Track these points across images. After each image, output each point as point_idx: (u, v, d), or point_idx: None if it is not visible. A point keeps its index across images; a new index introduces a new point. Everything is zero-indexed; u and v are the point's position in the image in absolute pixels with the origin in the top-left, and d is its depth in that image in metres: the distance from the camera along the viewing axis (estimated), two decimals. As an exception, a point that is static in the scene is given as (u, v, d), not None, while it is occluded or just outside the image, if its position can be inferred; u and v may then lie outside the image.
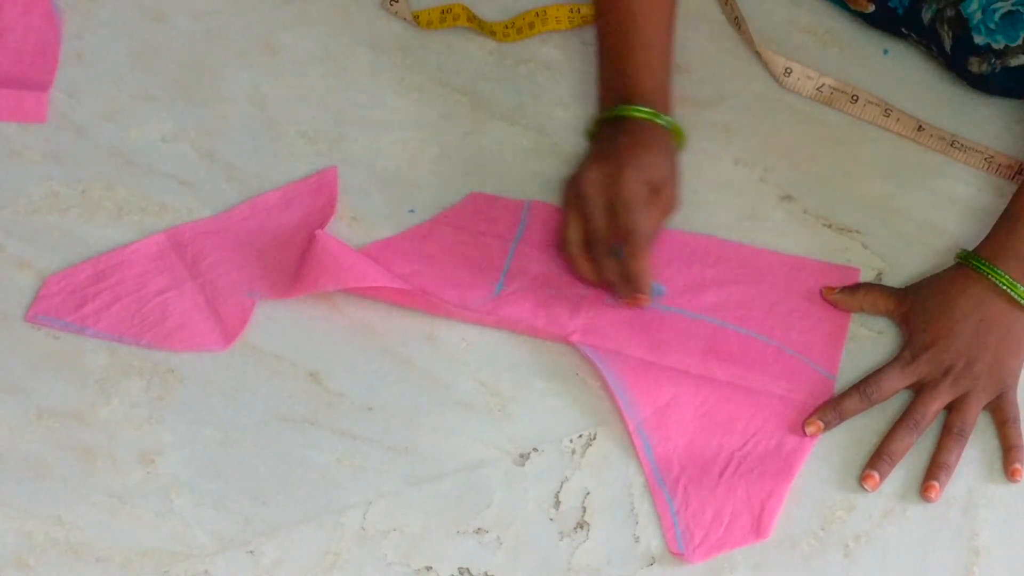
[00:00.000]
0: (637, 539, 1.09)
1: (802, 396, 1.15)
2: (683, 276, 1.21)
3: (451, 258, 1.22)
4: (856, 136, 1.32)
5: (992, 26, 1.28)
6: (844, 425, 1.13)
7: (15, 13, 1.36)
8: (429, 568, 1.07)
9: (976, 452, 1.13)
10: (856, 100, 1.32)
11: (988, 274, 1.16)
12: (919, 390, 1.14)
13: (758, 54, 1.36)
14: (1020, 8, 1.27)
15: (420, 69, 1.36)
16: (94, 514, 1.09)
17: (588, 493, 1.11)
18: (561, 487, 1.11)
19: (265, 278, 1.21)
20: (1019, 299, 1.15)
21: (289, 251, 1.22)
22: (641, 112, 1.21)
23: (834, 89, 1.33)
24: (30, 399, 1.14)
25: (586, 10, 1.38)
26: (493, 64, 1.36)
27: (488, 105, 1.33)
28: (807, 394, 1.15)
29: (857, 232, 1.25)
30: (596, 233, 1.17)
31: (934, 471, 1.11)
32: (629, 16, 1.25)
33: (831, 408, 1.13)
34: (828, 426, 1.13)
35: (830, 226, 1.26)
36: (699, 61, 1.37)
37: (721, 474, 1.11)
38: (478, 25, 1.38)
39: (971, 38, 1.29)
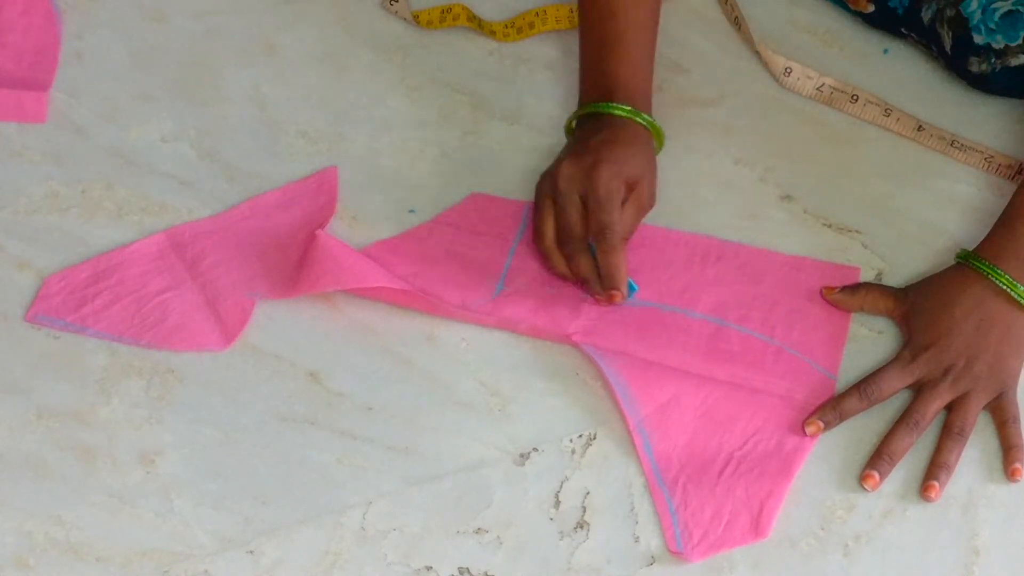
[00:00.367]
0: (637, 539, 1.09)
1: (802, 396, 1.15)
2: (683, 276, 1.21)
3: (451, 258, 1.22)
4: (856, 136, 1.32)
5: (992, 26, 1.28)
6: (844, 425, 1.13)
7: (15, 13, 1.36)
8: (429, 568, 1.07)
9: (976, 452, 1.13)
10: (856, 100, 1.32)
11: (988, 274, 1.16)
12: (919, 390, 1.14)
13: (758, 54, 1.36)
14: (1020, 8, 1.27)
15: (420, 69, 1.36)
16: (94, 514, 1.09)
17: (588, 493, 1.11)
18: (561, 487, 1.11)
19: (265, 278, 1.21)
20: (1019, 299, 1.15)
21: (289, 251, 1.22)
22: (620, 110, 1.21)
23: (834, 89, 1.33)
24: (30, 399, 1.14)
25: (586, 10, 1.38)
26: (493, 64, 1.36)
27: (488, 105, 1.33)
28: (807, 394, 1.15)
29: (857, 232, 1.25)
30: (570, 229, 1.16)
31: (934, 471, 1.11)
32: (611, 14, 1.25)
33: (831, 408, 1.13)
34: (828, 426, 1.13)
35: (830, 226, 1.26)
36: (699, 61, 1.37)
37: (721, 473, 1.11)
38: (478, 25, 1.38)
39: (971, 38, 1.29)
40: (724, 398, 1.15)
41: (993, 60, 1.29)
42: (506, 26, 1.37)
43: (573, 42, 1.36)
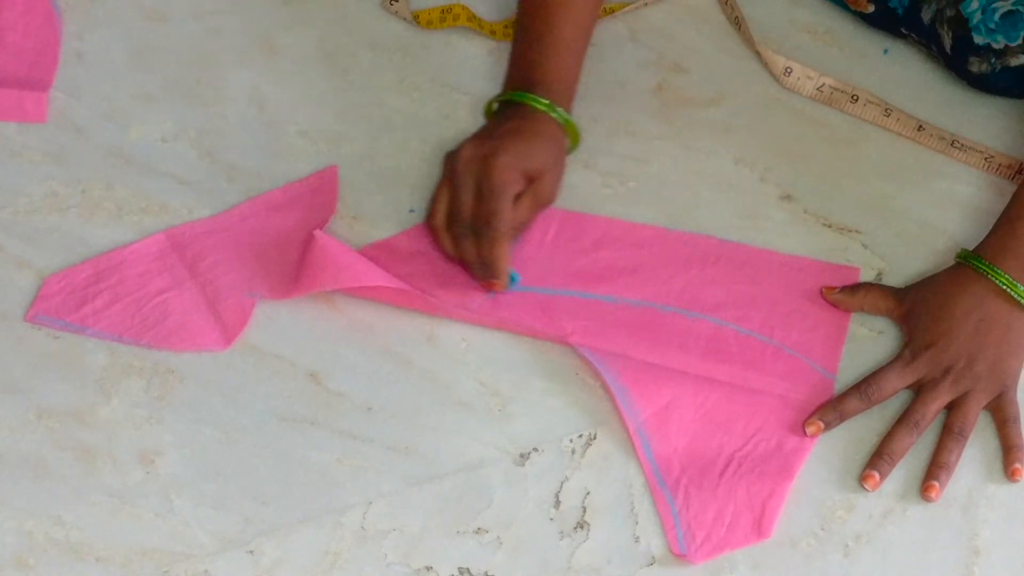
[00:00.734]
0: (637, 539, 1.09)
1: (802, 396, 1.15)
2: (683, 276, 1.21)
3: (450, 259, 1.22)
4: (856, 136, 1.32)
5: (992, 26, 1.28)
6: (844, 425, 1.13)
7: (15, 13, 1.36)
8: (429, 568, 1.07)
9: (976, 452, 1.13)
10: (856, 100, 1.32)
11: (988, 274, 1.16)
12: (919, 390, 1.14)
13: (758, 54, 1.36)
14: (1020, 8, 1.27)
15: (420, 69, 1.36)
16: (94, 514, 1.09)
17: (588, 493, 1.11)
18: (561, 487, 1.11)
19: (265, 278, 1.20)
20: (1019, 299, 1.15)
21: (289, 251, 1.22)
22: (538, 102, 1.21)
23: (834, 89, 1.33)
24: (30, 399, 1.14)
25: (586, 10, 1.38)
26: (493, 64, 1.36)
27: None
28: (807, 394, 1.15)
29: (857, 232, 1.25)
30: (459, 212, 1.17)
31: (934, 471, 1.11)
32: (545, 5, 1.25)
33: (831, 408, 1.13)
34: (828, 426, 1.13)
35: (830, 226, 1.26)
36: (699, 61, 1.37)
37: (722, 474, 1.11)
38: (478, 25, 1.38)
39: (971, 38, 1.29)
40: (724, 399, 1.15)
41: (993, 60, 1.29)
42: (506, 26, 1.37)
43: (573, 42, 1.36)
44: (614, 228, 1.25)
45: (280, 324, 1.19)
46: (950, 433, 1.12)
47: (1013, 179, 1.28)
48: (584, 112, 1.31)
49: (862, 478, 1.11)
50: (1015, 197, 1.19)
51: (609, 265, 1.22)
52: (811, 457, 1.12)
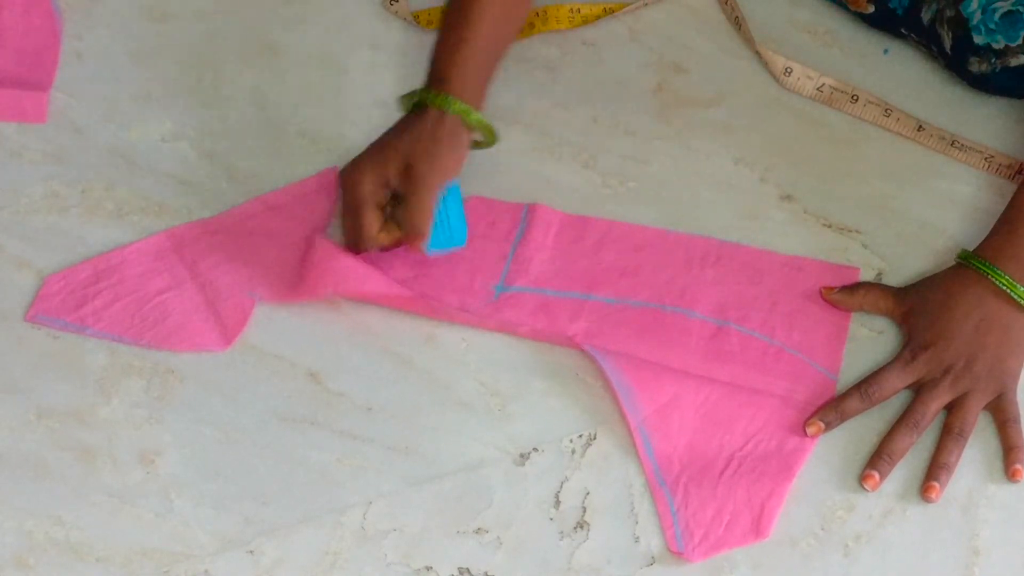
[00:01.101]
0: (637, 539, 1.09)
1: (803, 396, 1.15)
2: (683, 277, 1.21)
3: (451, 262, 1.22)
4: (856, 136, 1.32)
5: (992, 26, 1.28)
6: (844, 425, 1.13)
7: (15, 13, 1.36)
8: (429, 568, 1.07)
9: (976, 452, 1.13)
10: (856, 100, 1.32)
11: (988, 274, 1.16)
12: (919, 390, 1.14)
13: (758, 54, 1.36)
14: (1020, 8, 1.27)
15: (420, 69, 1.35)
16: (94, 514, 1.09)
17: (588, 493, 1.11)
18: (561, 487, 1.11)
19: (265, 279, 1.20)
20: (1019, 299, 1.15)
21: (289, 252, 1.22)
22: (430, 97, 1.21)
23: (834, 89, 1.33)
24: (30, 399, 1.14)
25: (586, 10, 1.38)
26: (493, 64, 1.36)
27: (488, 105, 1.33)
28: (808, 394, 1.15)
29: (857, 232, 1.25)
30: (343, 231, 1.19)
31: (934, 471, 1.11)
32: (472, 8, 1.24)
33: (832, 408, 1.13)
34: (829, 426, 1.13)
35: (830, 226, 1.26)
36: (699, 61, 1.37)
37: (721, 474, 1.11)
38: (478, 25, 1.38)
39: (971, 38, 1.29)
40: (725, 398, 1.15)
41: (993, 60, 1.29)
42: (506, 26, 1.37)
43: (573, 42, 1.36)
44: (615, 230, 1.25)
45: (280, 324, 1.19)
46: (950, 433, 1.12)
47: (1013, 179, 1.28)
48: (584, 112, 1.31)
49: (862, 478, 1.11)
50: (1015, 197, 1.19)
51: (610, 267, 1.22)
52: (811, 457, 1.12)
